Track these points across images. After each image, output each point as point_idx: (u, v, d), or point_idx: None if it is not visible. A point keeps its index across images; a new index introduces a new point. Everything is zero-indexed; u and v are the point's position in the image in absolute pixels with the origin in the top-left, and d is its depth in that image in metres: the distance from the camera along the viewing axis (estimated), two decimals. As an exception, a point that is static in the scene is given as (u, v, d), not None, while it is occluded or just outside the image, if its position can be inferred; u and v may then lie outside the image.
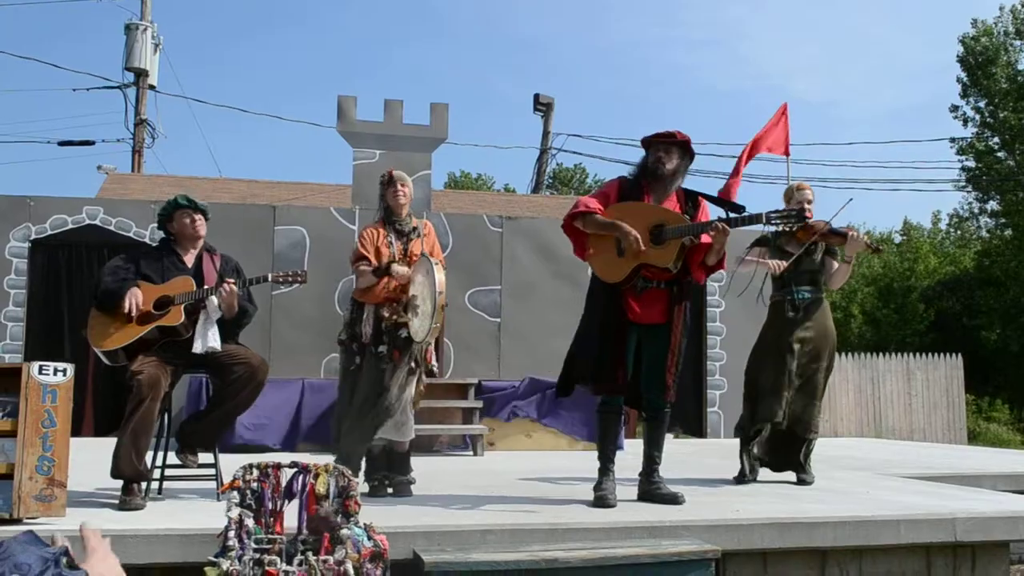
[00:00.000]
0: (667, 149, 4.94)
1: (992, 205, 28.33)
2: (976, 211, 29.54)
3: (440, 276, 4.87)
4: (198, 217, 4.99)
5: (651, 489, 4.96)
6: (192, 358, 4.77)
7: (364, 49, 78.32)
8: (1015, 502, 5.09)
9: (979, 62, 26.76)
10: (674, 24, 74.91)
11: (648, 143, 5.01)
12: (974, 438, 17.12)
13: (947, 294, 28.81)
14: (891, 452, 9.27)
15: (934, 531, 4.48)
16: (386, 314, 5.09)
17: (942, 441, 14.25)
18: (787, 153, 9.66)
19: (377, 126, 10.49)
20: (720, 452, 8.26)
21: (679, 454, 8.30)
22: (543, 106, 21.31)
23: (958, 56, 27.34)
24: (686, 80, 75.96)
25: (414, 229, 5.30)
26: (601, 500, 4.77)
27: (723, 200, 5.03)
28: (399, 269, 5.02)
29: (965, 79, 27.32)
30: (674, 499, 4.84)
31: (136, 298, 4.65)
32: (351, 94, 10.49)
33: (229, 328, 4.93)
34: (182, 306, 4.73)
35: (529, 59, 74.83)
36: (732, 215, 4.82)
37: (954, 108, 27.71)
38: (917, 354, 15.40)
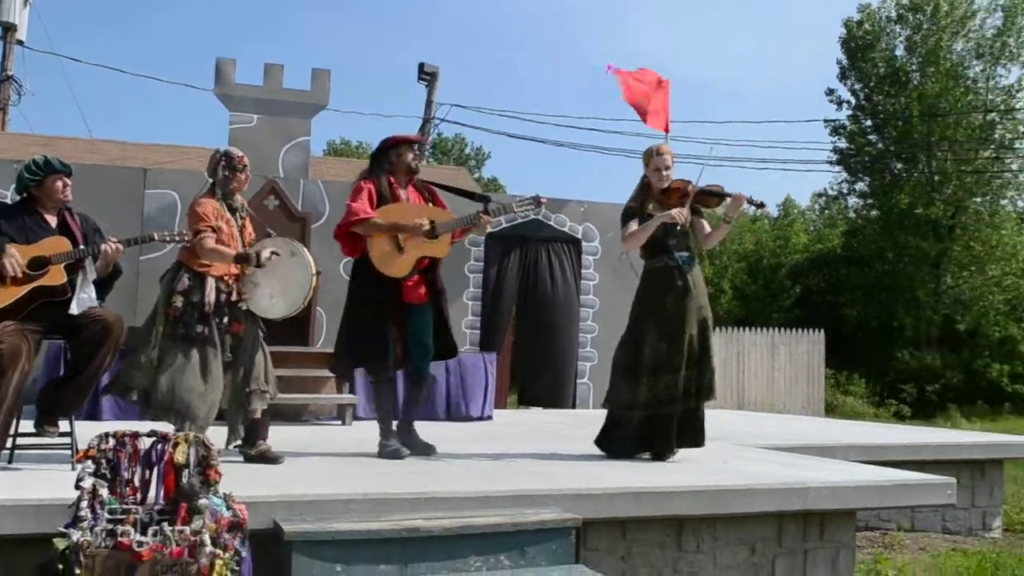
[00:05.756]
0: (415, 150, 5.62)
1: (861, 186, 29.45)
2: (845, 191, 30.68)
3: (312, 263, 5.11)
4: (69, 181, 4.85)
5: (410, 439, 5.51)
6: (51, 323, 4.62)
7: (251, 13, 76.23)
8: (864, 472, 5.34)
9: (859, 46, 27.71)
10: (561, -3, 75.16)
11: (395, 143, 5.57)
12: (831, 411, 17.85)
13: (813, 271, 29.87)
14: (751, 423, 9.50)
15: (787, 500, 4.66)
16: (230, 285, 5.09)
17: (801, 413, 14.78)
18: (667, 130, 9.84)
19: (256, 90, 10.31)
20: (586, 423, 8.39)
21: (543, 423, 8.43)
22: (427, 75, 21.14)
23: (840, 38, 28.26)
24: (566, 52, 76.39)
25: (242, 205, 5.35)
26: (395, 452, 5.29)
27: (469, 192, 5.77)
28: (266, 255, 4.99)
29: (845, 62, 28.27)
30: (431, 450, 5.49)
31: (15, 258, 4.47)
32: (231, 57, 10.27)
33: (102, 287, 4.85)
34: (61, 266, 4.59)
35: (414, 27, 74.14)
36: (489, 205, 5.43)
37: (830, 91, 28.66)
38: (781, 329, 15.94)
